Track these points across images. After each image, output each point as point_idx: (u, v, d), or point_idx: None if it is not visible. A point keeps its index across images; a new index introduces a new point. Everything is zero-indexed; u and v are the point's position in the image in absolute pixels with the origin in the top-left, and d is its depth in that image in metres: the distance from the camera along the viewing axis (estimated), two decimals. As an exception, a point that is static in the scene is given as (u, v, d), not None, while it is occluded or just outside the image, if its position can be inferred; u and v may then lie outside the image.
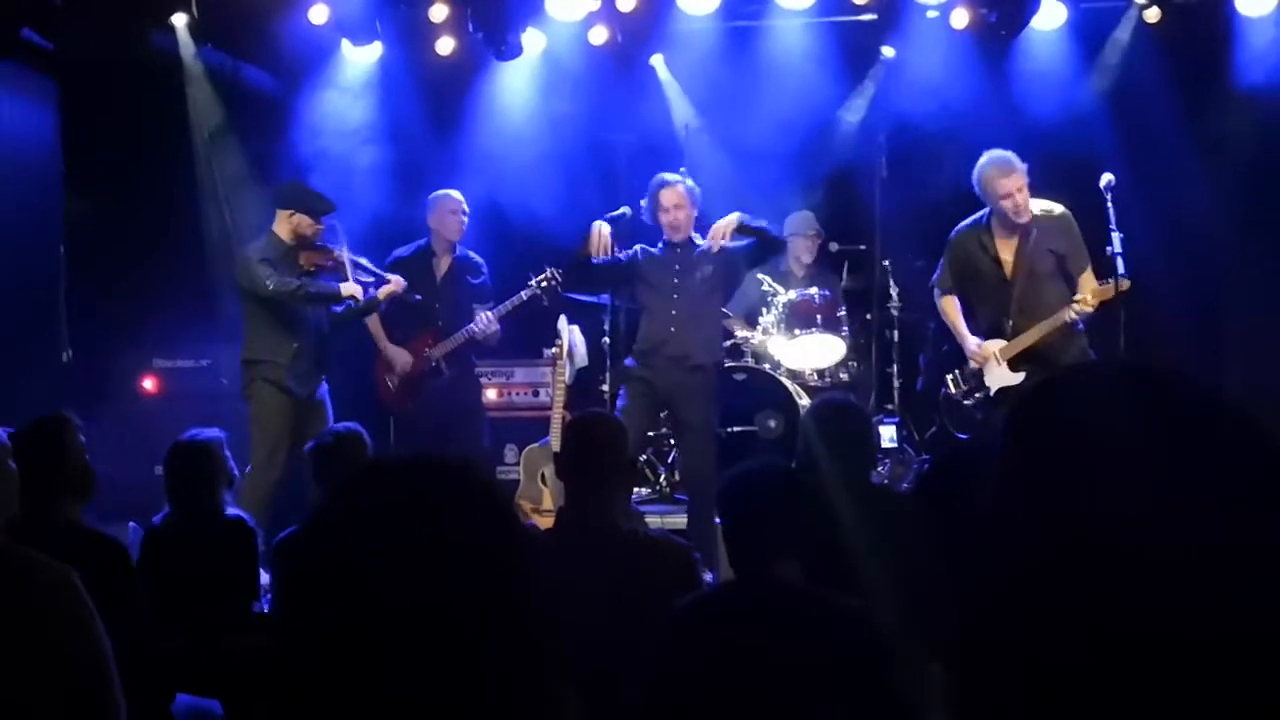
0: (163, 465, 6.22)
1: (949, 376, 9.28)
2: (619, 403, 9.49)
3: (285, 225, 9.44)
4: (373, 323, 10.18)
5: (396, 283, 9.57)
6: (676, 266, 9.45)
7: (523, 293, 9.98)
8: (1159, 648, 1.17)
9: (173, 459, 6.17)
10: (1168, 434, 1.25)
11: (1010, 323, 8.87)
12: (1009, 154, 8.75)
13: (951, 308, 9.24)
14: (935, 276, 9.37)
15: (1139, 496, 1.20)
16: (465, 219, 10.23)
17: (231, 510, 6.26)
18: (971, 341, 9.04)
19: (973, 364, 9.05)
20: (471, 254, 10.35)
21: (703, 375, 9.44)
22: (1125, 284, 8.34)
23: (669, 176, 9.49)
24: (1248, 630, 1.17)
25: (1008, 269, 8.85)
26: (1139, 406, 1.27)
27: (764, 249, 9.51)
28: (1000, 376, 8.93)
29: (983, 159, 8.80)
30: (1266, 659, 1.16)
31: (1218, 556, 1.18)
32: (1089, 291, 8.50)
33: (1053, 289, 8.74)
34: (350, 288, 9.35)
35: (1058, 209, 8.76)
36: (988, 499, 1.27)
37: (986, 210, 8.91)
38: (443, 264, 10.26)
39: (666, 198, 9.39)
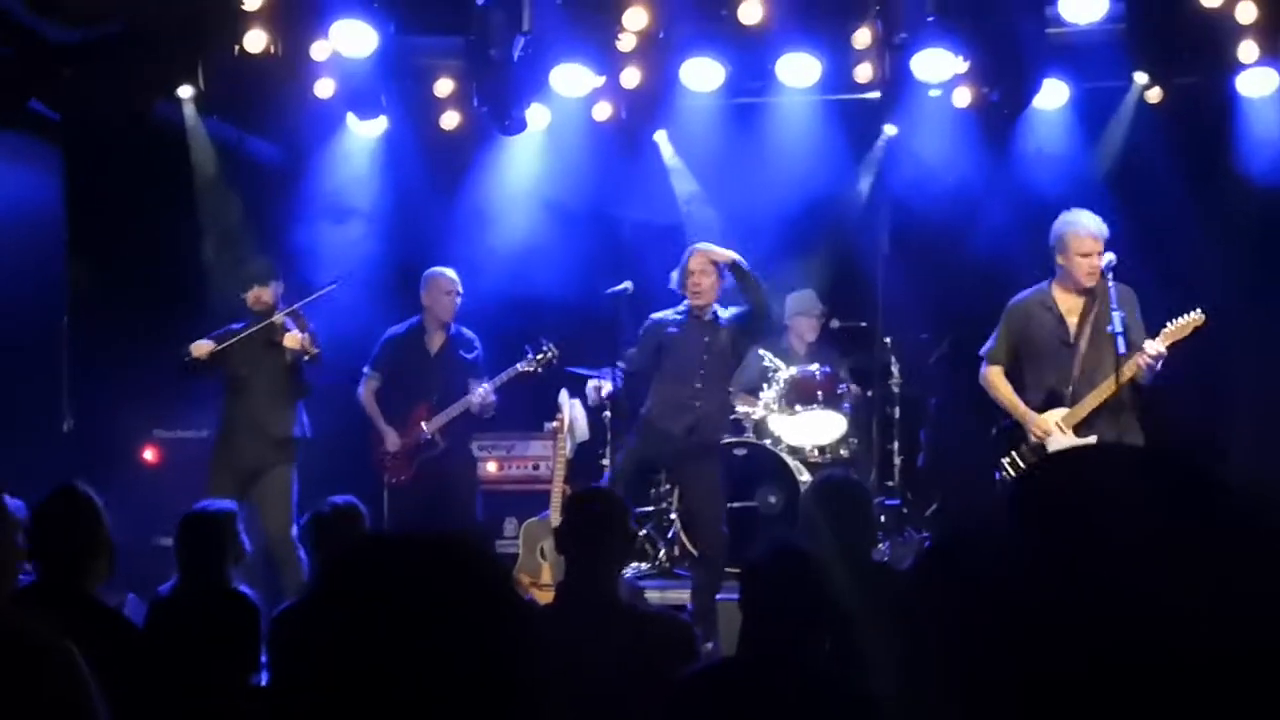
0: (174, 535, 6.22)
1: (1005, 460, 8.77)
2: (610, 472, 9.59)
3: None
4: (368, 401, 10.41)
5: (291, 338, 9.59)
6: (705, 338, 9.45)
7: (519, 364, 10.09)
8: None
9: (184, 529, 6.18)
10: (1173, 512, 1.25)
11: (1071, 389, 8.50)
12: (1093, 215, 8.61)
13: (1001, 381, 8.83)
14: (985, 347, 8.94)
15: (1151, 571, 1.21)
16: (458, 299, 10.38)
17: (239, 586, 6.27)
18: (1031, 416, 8.62)
19: (1033, 438, 8.59)
20: (465, 330, 10.49)
21: (714, 452, 9.56)
22: (1201, 317, 8.19)
23: (699, 243, 9.51)
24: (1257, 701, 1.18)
25: (1072, 330, 8.56)
26: (1145, 485, 1.28)
27: (754, 319, 9.49)
28: (1066, 445, 8.36)
29: (1064, 216, 8.63)
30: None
31: (1228, 628, 1.19)
32: (1160, 336, 8.20)
33: (1116, 356, 8.30)
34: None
35: (1125, 286, 8.49)
36: (999, 575, 1.27)
37: (1047, 280, 8.76)
38: (436, 340, 10.42)
39: (695, 262, 9.39)
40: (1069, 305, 8.63)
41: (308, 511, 6.66)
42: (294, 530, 9.38)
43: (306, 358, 9.61)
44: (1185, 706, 1.18)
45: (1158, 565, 1.22)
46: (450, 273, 10.40)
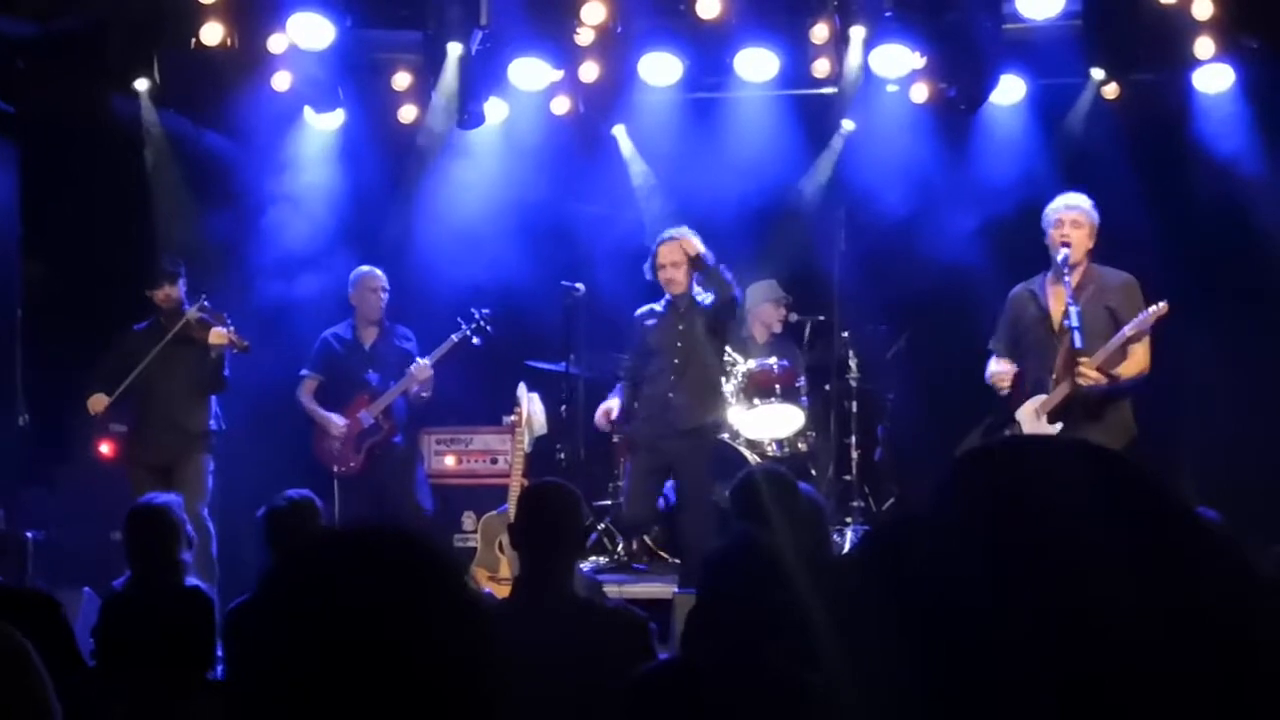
0: (122, 530, 6.23)
1: None
2: (624, 481, 9.71)
3: None
4: (306, 400, 10.54)
5: (217, 334, 9.64)
6: (680, 326, 9.54)
7: (453, 335, 10.25)
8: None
9: (131, 524, 6.19)
10: (1104, 505, 1.27)
11: (1054, 377, 8.35)
12: (1073, 194, 8.56)
13: (998, 370, 8.76)
14: (992, 339, 8.89)
15: (1080, 563, 1.22)
16: (384, 296, 10.53)
17: (191, 580, 6.27)
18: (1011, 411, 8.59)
19: (1012, 430, 8.51)
20: (399, 326, 10.68)
21: (702, 438, 9.56)
22: (1163, 307, 8.15)
23: (670, 231, 9.57)
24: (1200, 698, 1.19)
25: (1055, 321, 8.45)
26: (1078, 478, 1.29)
27: (721, 309, 9.50)
28: (1039, 432, 8.30)
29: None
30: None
31: (1161, 624, 1.20)
32: (1100, 358, 8.12)
33: (1102, 348, 8.23)
34: None
35: (1127, 275, 8.49)
36: (930, 559, 1.28)
37: (1046, 270, 8.66)
38: (369, 335, 10.59)
39: (664, 254, 9.49)
40: (1055, 294, 8.50)
41: (262, 506, 6.64)
42: (205, 511, 9.56)
43: (236, 350, 9.66)
44: (1109, 698, 1.19)
45: (1086, 557, 1.23)
46: (377, 271, 10.57)
